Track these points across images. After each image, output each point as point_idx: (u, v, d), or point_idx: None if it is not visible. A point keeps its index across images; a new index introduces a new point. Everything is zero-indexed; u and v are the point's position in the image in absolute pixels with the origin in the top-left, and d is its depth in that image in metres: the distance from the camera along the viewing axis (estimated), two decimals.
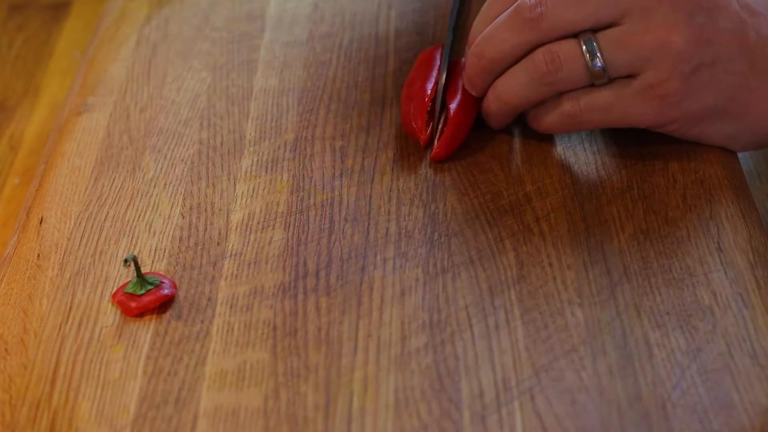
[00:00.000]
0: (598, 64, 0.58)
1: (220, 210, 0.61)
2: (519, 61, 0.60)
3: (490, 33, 0.60)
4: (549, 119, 0.61)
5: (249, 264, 0.58)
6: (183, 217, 0.61)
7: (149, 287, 0.56)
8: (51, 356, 0.54)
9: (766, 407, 0.49)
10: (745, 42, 0.59)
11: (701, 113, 0.60)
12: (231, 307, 0.55)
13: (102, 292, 0.57)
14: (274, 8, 0.77)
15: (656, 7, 0.58)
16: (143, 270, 0.57)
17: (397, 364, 0.52)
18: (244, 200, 0.62)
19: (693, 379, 0.51)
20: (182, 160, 0.65)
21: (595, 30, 0.59)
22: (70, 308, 0.56)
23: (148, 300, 0.55)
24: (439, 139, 0.63)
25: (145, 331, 0.55)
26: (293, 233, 0.59)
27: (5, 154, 0.77)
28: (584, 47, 0.58)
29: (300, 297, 0.56)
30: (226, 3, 0.78)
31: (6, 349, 0.55)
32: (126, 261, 0.56)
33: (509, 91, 0.61)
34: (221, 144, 0.66)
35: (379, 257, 0.57)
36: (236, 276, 0.57)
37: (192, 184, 0.63)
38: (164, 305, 0.56)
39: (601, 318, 0.54)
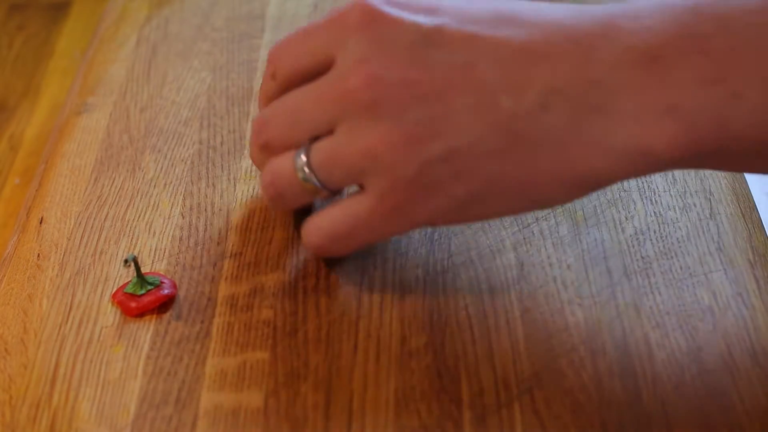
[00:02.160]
0: (314, 181, 0.52)
1: (220, 210, 0.61)
2: None
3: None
4: (310, 250, 0.55)
5: (249, 264, 0.58)
6: (183, 217, 0.61)
7: (149, 287, 0.56)
8: (51, 356, 0.54)
9: (766, 407, 0.49)
10: (492, 115, 0.49)
11: (456, 205, 0.51)
12: (231, 307, 0.55)
13: (102, 292, 0.57)
14: (274, 8, 0.77)
15: (360, 112, 0.50)
16: (143, 270, 0.57)
17: (397, 364, 0.52)
18: (244, 200, 0.61)
19: (693, 379, 0.51)
20: (182, 160, 0.65)
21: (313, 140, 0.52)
22: (70, 308, 0.56)
23: (148, 300, 0.55)
24: None
25: (145, 331, 0.55)
26: (293, 233, 0.59)
27: (5, 154, 0.76)
28: (297, 164, 0.52)
29: (300, 297, 0.56)
30: (226, 3, 0.78)
31: (6, 349, 0.54)
32: (126, 261, 0.56)
33: (265, 195, 0.55)
34: (221, 144, 0.66)
35: (379, 257, 0.57)
36: (236, 276, 0.57)
37: (192, 184, 0.63)
38: (164, 305, 0.56)
39: (601, 318, 0.54)
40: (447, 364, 0.52)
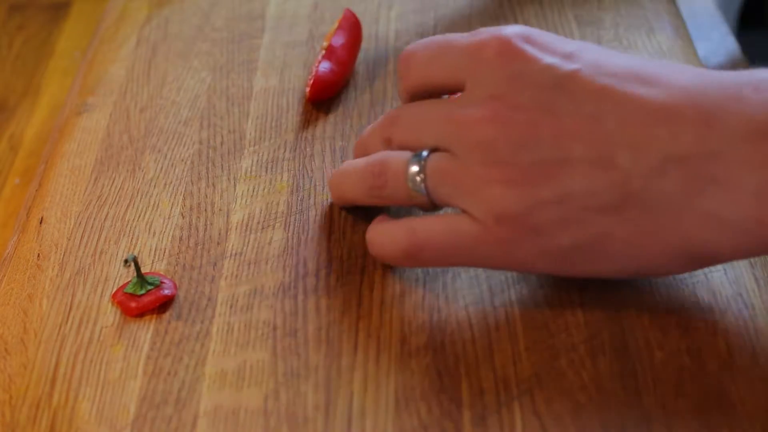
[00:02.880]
0: (420, 188, 0.53)
1: (220, 210, 0.61)
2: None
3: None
4: (386, 251, 0.55)
5: (249, 264, 0.58)
6: (183, 217, 0.61)
7: (149, 287, 0.56)
8: (51, 356, 0.54)
9: (766, 407, 0.49)
10: (609, 171, 0.49)
11: (559, 254, 0.51)
12: (231, 307, 0.55)
13: (102, 292, 0.57)
14: (274, 8, 0.77)
15: (481, 144, 0.51)
16: (143, 270, 0.57)
17: (397, 364, 0.52)
18: (244, 200, 0.62)
19: (693, 379, 0.51)
20: (182, 160, 0.65)
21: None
22: (70, 308, 0.56)
23: (148, 300, 0.55)
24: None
25: (145, 331, 0.55)
26: (293, 233, 0.59)
27: (5, 154, 0.77)
28: (410, 166, 0.53)
29: (300, 297, 0.56)
30: (226, 3, 0.78)
31: (6, 349, 0.54)
32: (126, 261, 0.56)
33: (342, 185, 0.58)
34: (221, 144, 0.66)
35: None
36: (236, 276, 0.57)
37: (192, 184, 0.63)
38: (164, 305, 0.56)
39: (601, 318, 0.53)
40: (447, 364, 0.52)
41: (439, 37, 0.56)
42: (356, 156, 0.59)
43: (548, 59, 0.51)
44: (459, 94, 0.54)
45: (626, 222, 0.49)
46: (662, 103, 0.49)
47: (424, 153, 0.53)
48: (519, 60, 0.51)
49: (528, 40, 0.52)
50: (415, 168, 0.53)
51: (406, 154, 0.54)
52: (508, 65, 0.51)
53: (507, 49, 0.52)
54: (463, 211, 0.52)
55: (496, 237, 0.51)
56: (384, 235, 0.55)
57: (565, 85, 0.50)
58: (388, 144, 0.56)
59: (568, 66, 0.51)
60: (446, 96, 0.56)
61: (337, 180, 0.59)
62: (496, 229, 0.51)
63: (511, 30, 0.52)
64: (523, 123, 0.50)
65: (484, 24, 0.68)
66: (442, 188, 0.52)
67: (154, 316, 0.55)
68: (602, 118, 0.49)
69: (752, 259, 0.56)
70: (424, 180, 0.53)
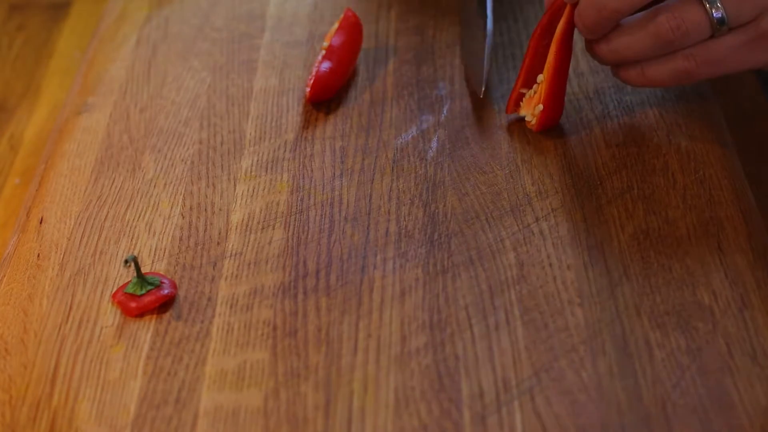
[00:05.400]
0: (721, 19, 0.59)
1: (220, 210, 0.61)
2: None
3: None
4: (657, 74, 0.61)
5: (249, 264, 0.58)
6: (183, 217, 0.61)
7: (149, 287, 0.56)
8: (51, 356, 0.54)
9: (766, 407, 0.49)
10: None
11: None
12: (231, 307, 0.55)
13: (102, 292, 0.57)
14: (274, 8, 0.77)
15: None
16: (143, 270, 0.57)
17: (397, 364, 0.52)
18: (244, 200, 0.62)
19: (693, 379, 0.51)
20: (182, 160, 0.65)
21: None
22: (70, 308, 0.56)
23: (148, 300, 0.55)
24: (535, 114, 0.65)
25: (145, 331, 0.55)
26: (293, 233, 0.59)
27: (5, 154, 0.77)
28: (707, 5, 0.59)
29: (300, 297, 0.56)
30: (226, 3, 0.78)
31: (6, 349, 0.55)
32: (126, 261, 0.56)
33: (628, 47, 0.61)
34: (221, 144, 0.66)
35: (379, 257, 0.57)
36: (236, 276, 0.57)
37: (192, 184, 0.63)
38: (164, 305, 0.56)
39: (601, 318, 0.54)
40: (447, 364, 0.52)
41: None
42: (592, 22, 0.61)
43: None
44: None
45: None
46: None
47: None
48: None
49: None
50: (714, 4, 0.58)
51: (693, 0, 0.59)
52: None
53: None
54: (745, 25, 0.59)
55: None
56: (648, 63, 0.61)
57: None
58: None
59: None
60: None
61: (617, 44, 0.61)
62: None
63: None
64: None
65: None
66: (742, 9, 0.58)
67: (154, 316, 0.55)
68: None
69: (752, 260, 0.56)
70: (724, 8, 0.58)
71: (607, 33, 0.61)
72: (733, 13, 0.58)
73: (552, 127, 0.64)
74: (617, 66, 0.63)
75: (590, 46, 0.63)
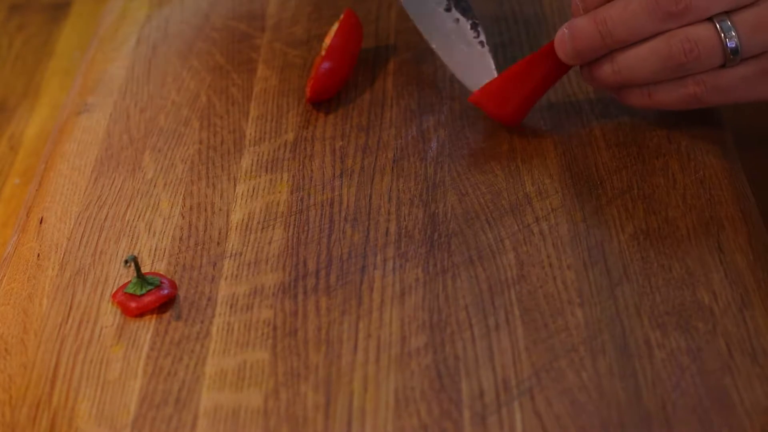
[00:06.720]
0: (735, 50, 0.58)
1: (220, 210, 0.61)
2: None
3: (624, 16, 0.59)
4: (666, 98, 0.61)
5: (249, 264, 0.58)
6: (183, 217, 0.61)
7: (149, 287, 0.56)
8: (51, 356, 0.54)
9: (766, 407, 0.49)
10: None
11: None
12: (231, 307, 0.55)
13: (102, 292, 0.57)
14: (274, 8, 0.77)
15: None
16: (143, 270, 0.57)
17: (397, 364, 0.52)
18: (244, 200, 0.61)
19: (693, 379, 0.51)
20: (182, 160, 0.65)
21: (728, 11, 0.58)
22: (70, 308, 0.56)
23: (148, 300, 0.55)
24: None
25: (145, 331, 0.55)
26: (293, 233, 0.59)
27: (5, 154, 0.77)
28: (722, 34, 0.58)
29: (300, 297, 0.56)
30: (226, 3, 0.78)
31: (6, 349, 0.54)
32: (126, 261, 0.56)
33: (635, 69, 0.60)
34: (221, 144, 0.66)
35: (379, 257, 0.57)
36: (236, 276, 0.57)
37: (192, 184, 0.63)
38: (164, 305, 0.56)
39: (601, 318, 0.54)
40: (447, 364, 0.52)
41: None
42: (588, 47, 0.60)
43: None
44: None
45: None
46: None
47: (727, 15, 0.58)
48: None
49: None
50: (727, 27, 0.57)
51: (707, 24, 0.58)
52: None
53: None
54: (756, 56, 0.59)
55: None
56: (657, 87, 0.60)
57: None
58: (679, 18, 0.58)
59: None
60: None
61: (624, 65, 0.60)
62: None
63: None
64: None
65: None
66: (757, 39, 0.58)
67: (154, 316, 0.55)
68: None
69: (752, 259, 0.56)
70: (738, 37, 0.57)
71: (611, 53, 0.60)
72: (746, 44, 0.58)
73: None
74: (619, 89, 0.62)
75: (589, 68, 0.62)
